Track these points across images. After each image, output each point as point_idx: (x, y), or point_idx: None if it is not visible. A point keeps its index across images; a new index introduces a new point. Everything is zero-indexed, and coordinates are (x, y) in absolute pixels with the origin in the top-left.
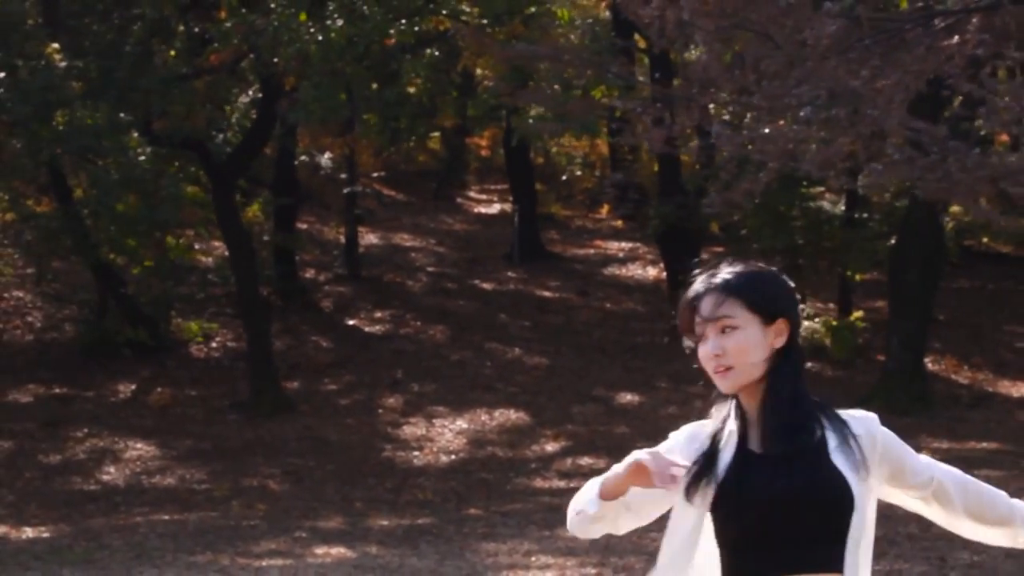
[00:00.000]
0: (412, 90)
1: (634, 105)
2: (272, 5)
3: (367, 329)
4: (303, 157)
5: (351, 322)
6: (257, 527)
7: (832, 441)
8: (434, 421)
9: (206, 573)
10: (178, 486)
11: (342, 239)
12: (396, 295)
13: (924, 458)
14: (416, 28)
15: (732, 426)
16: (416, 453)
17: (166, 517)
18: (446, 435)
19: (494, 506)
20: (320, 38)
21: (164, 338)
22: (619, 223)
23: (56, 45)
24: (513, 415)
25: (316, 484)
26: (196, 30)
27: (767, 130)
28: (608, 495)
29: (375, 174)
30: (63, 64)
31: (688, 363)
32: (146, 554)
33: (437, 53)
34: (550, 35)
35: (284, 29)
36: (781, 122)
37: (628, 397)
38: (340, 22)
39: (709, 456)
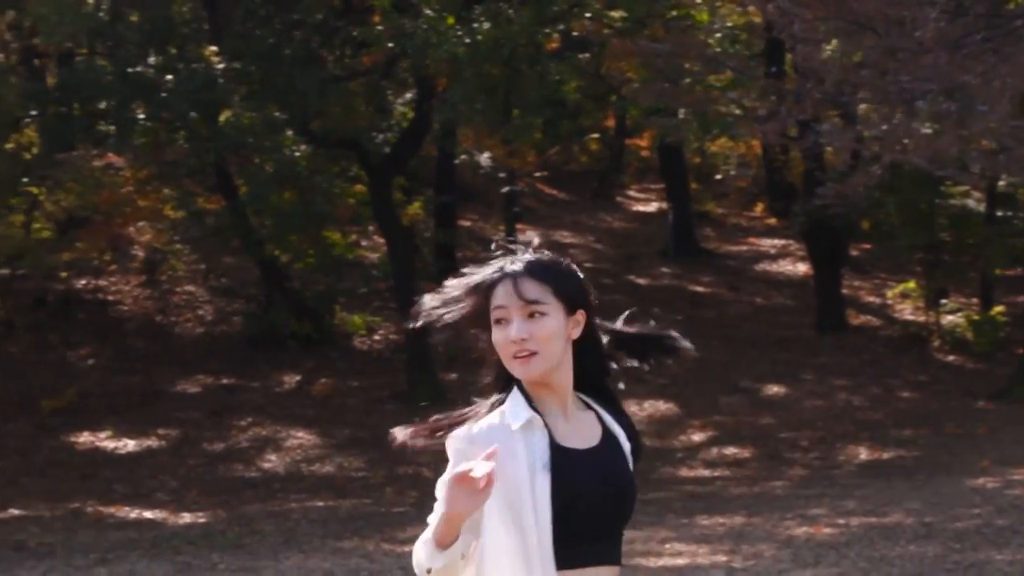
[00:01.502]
0: (567, 92)
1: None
2: (426, 11)
3: None
4: (463, 157)
5: None
6: (406, 514)
7: (621, 434)
8: None
9: (350, 558)
10: (335, 474)
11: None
12: None
13: None
14: (560, 31)
15: (528, 416)
16: None
17: (320, 504)
18: None
19: (638, 494)
20: (467, 41)
21: (328, 331)
22: (772, 220)
23: (214, 48)
24: (662, 406)
25: None
26: (354, 34)
27: (884, 126)
28: (443, 542)
29: (536, 174)
30: (221, 66)
31: (833, 356)
32: (295, 539)
33: (588, 55)
34: (690, 37)
35: (433, 32)
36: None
37: (774, 389)
38: (487, 25)
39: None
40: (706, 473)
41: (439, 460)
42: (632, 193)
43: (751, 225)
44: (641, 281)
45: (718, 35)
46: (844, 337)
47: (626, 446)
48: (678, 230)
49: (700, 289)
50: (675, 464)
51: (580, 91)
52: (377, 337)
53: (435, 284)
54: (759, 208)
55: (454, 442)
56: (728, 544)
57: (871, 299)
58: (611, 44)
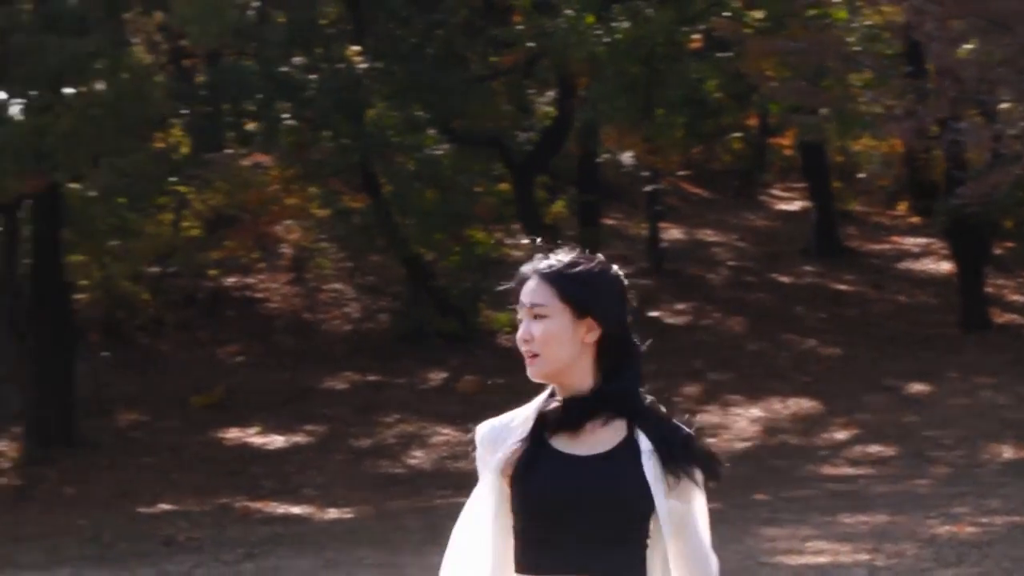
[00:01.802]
0: (708, 91)
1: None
2: (566, 10)
3: (668, 320)
4: (606, 155)
5: (653, 313)
6: None
7: (646, 445)
8: (729, 409)
9: None
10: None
11: (646, 234)
12: (697, 288)
13: (703, 521)
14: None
15: (530, 412)
16: (711, 440)
17: (464, 500)
18: (740, 423)
19: (781, 492)
20: (607, 40)
21: (473, 328)
22: (915, 219)
23: (357, 48)
24: (805, 404)
25: None
26: (495, 33)
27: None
28: None
29: (680, 172)
30: (363, 66)
31: (977, 355)
32: (440, 535)
33: (730, 54)
34: (828, 36)
35: (572, 31)
36: None
37: (917, 387)
38: (626, 24)
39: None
40: (849, 471)
41: None
42: (775, 191)
43: (894, 224)
44: (783, 279)
45: (857, 34)
46: (988, 335)
47: (648, 454)
48: (821, 228)
49: (843, 287)
50: (818, 462)
51: (721, 90)
52: None
53: None
54: (902, 206)
55: (478, 429)
56: (870, 543)
57: (1015, 297)
58: (749, 43)
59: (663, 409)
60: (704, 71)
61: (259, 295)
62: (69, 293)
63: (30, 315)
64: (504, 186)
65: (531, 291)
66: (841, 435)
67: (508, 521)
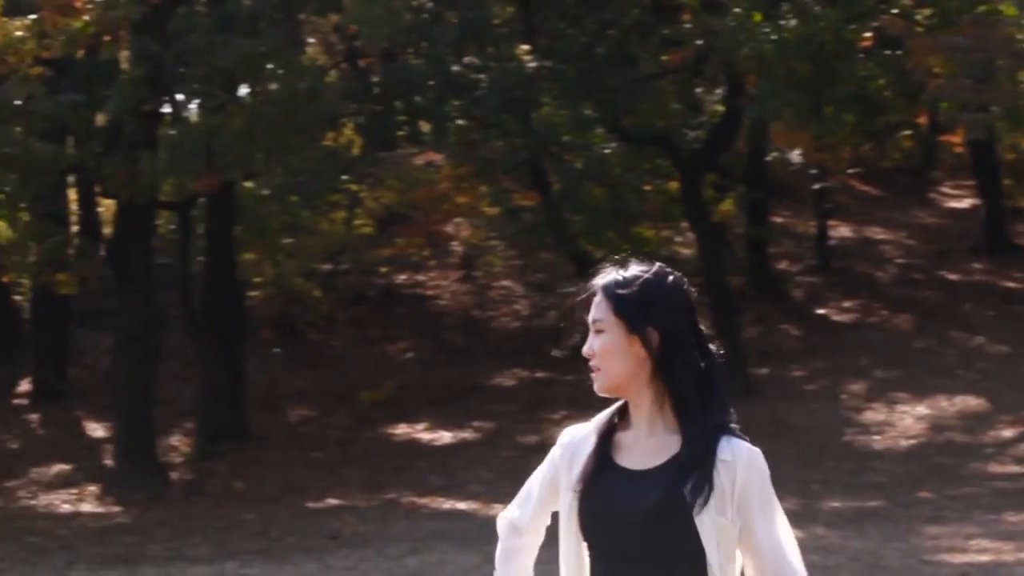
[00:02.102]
0: (877, 89)
1: None
2: (734, 8)
3: (835, 318)
4: (775, 153)
5: (820, 311)
6: None
7: (695, 466)
8: (895, 407)
9: None
10: None
11: (814, 232)
12: (865, 285)
13: (776, 538)
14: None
15: (600, 429)
16: (876, 437)
17: None
18: (906, 420)
19: (945, 490)
20: (774, 38)
21: None
22: None
23: (526, 47)
24: (972, 401)
25: (776, 467)
26: (664, 32)
27: None
28: None
29: (849, 170)
30: (532, 65)
31: None
32: None
33: (899, 52)
34: (996, 32)
35: (740, 30)
36: None
37: None
38: (794, 22)
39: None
40: (1015, 469)
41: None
42: (944, 189)
43: None
44: (952, 277)
45: None
46: None
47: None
48: (990, 226)
49: (1012, 285)
50: (984, 460)
51: (890, 87)
52: None
53: (747, 279)
54: None
55: (564, 433)
56: None
57: None
58: (915, 41)
59: (731, 420)
60: (872, 69)
61: (429, 292)
62: (242, 290)
63: (203, 312)
64: (672, 184)
65: (594, 306)
66: (1008, 433)
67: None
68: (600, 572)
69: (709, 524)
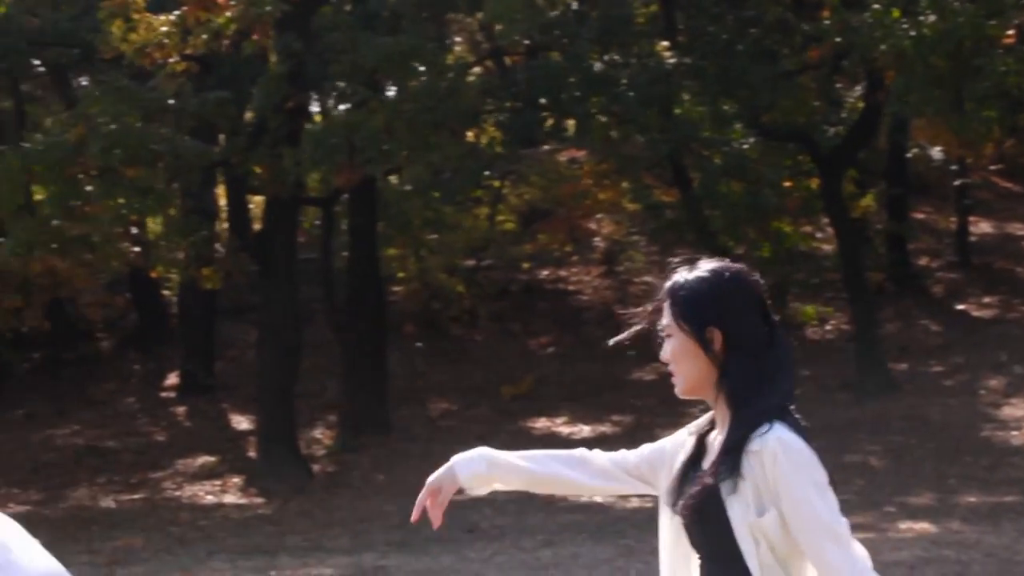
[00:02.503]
0: (1018, 84)
1: None
2: (874, 6)
3: (975, 314)
4: (915, 149)
5: (960, 307)
6: (849, 501)
7: (724, 458)
8: None
9: None
10: None
11: (954, 228)
12: (1005, 281)
13: (809, 533)
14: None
15: (696, 432)
16: (1014, 433)
17: None
18: None
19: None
20: (913, 34)
21: (781, 320)
22: None
23: (665, 43)
24: None
25: (914, 461)
26: (804, 28)
27: None
28: None
29: (991, 166)
30: (672, 61)
31: None
32: None
33: None
34: None
35: (878, 26)
36: None
37: None
38: (932, 18)
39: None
40: None
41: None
42: None
43: None
44: None
45: None
46: None
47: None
48: None
49: None
50: None
51: None
52: (828, 327)
53: (887, 275)
54: None
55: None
56: None
57: None
58: None
59: (777, 411)
60: (1012, 64)
61: (571, 287)
62: (384, 286)
63: (346, 307)
64: (813, 180)
65: (660, 312)
66: None
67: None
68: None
69: (740, 517)
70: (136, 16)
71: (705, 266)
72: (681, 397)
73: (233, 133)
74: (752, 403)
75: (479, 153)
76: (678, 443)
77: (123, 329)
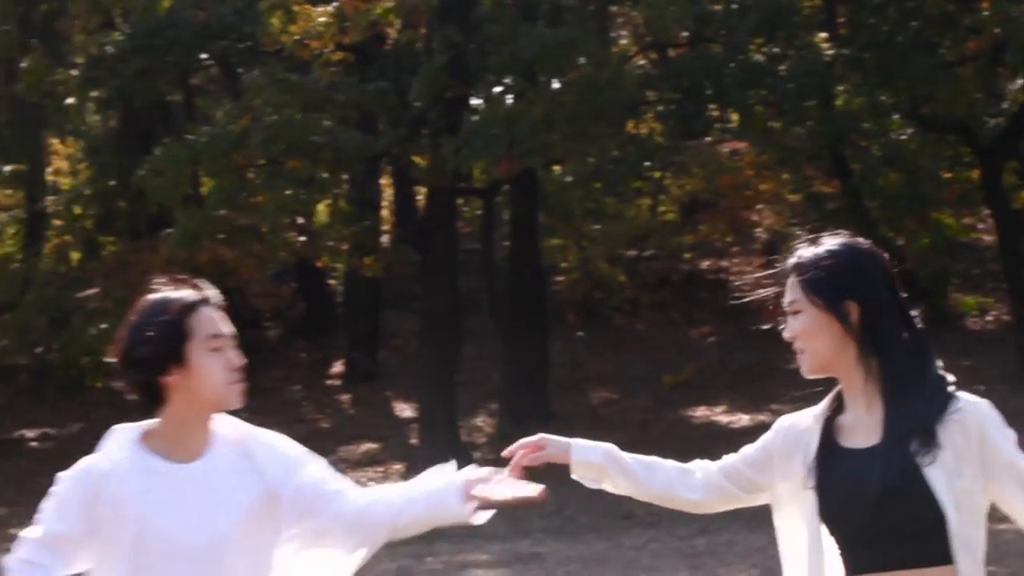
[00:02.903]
0: None
1: None
2: None
3: None
4: None
5: None
6: None
7: (917, 430)
8: None
9: None
10: None
11: None
12: None
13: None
14: None
15: (822, 416)
16: None
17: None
18: None
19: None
20: None
21: (941, 312)
22: None
23: (824, 35)
24: None
25: None
26: (965, 20)
27: None
28: None
29: None
30: (831, 52)
31: None
32: None
33: None
34: None
35: None
36: None
37: None
38: None
39: (804, 454)
40: None
41: None
42: None
43: None
44: None
45: None
46: None
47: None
48: None
49: None
50: None
51: None
52: (989, 317)
53: None
54: None
55: (781, 421)
56: None
57: None
58: None
59: (950, 382)
60: None
61: (732, 278)
62: (545, 275)
63: (508, 296)
64: (973, 172)
65: (788, 288)
66: None
67: (820, 529)
68: (846, 560)
69: (945, 486)
70: (296, 8)
71: (834, 240)
72: (809, 376)
73: (393, 124)
74: (923, 375)
75: (641, 144)
76: (800, 431)
77: (290, 318)
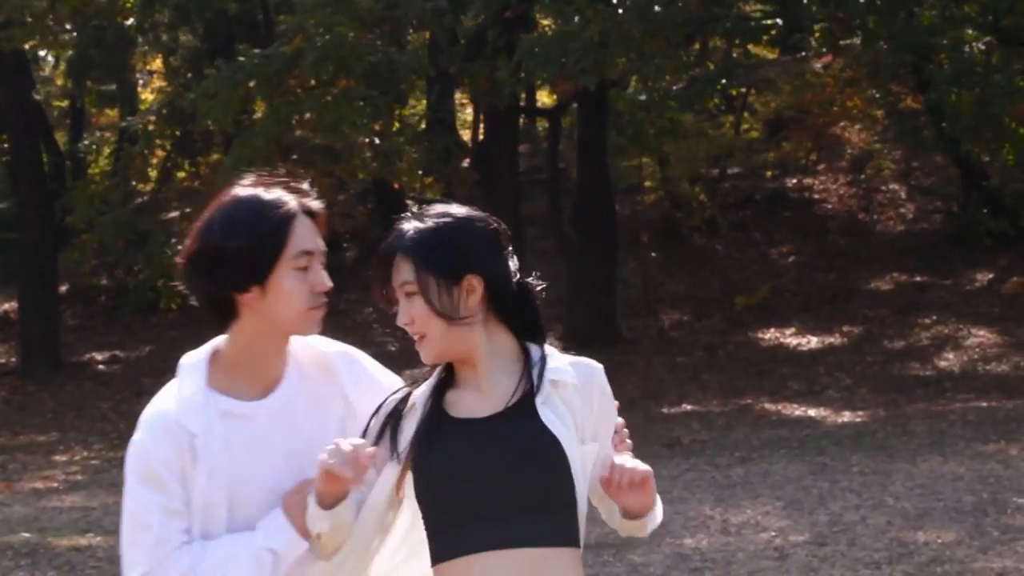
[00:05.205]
0: None
1: None
2: None
3: None
4: None
5: None
6: None
7: (543, 394)
8: None
9: (987, 463)
10: (1010, 373)
11: None
12: None
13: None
14: None
15: (424, 389)
16: None
17: (983, 404)
18: None
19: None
20: None
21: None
22: None
23: None
24: None
25: None
26: None
27: None
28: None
29: None
30: None
31: None
32: (942, 441)
33: None
34: None
35: None
36: None
37: None
38: None
39: (392, 427)
40: None
41: None
42: None
43: None
44: None
45: None
46: None
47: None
48: None
49: None
50: None
51: None
52: None
53: None
54: None
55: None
56: None
57: None
58: None
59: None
60: None
61: (817, 196)
62: (614, 195)
63: (575, 218)
64: None
65: (394, 269)
66: None
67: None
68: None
69: (584, 453)
70: None
71: (442, 208)
72: (434, 363)
73: (451, 43)
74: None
75: (720, 61)
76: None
77: (368, 239)
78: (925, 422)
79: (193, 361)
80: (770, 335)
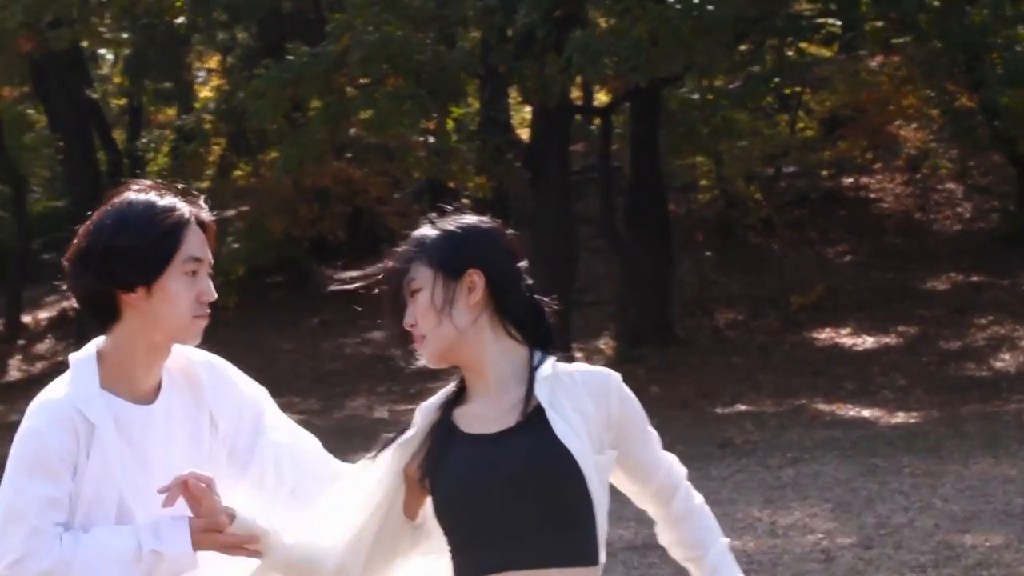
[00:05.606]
0: None
1: None
2: None
3: None
4: None
5: None
6: None
7: (554, 406)
8: None
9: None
10: None
11: None
12: None
13: (661, 453)
14: None
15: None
16: None
17: None
18: None
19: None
20: None
21: None
22: None
23: None
24: None
25: None
26: None
27: None
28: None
29: None
30: None
31: None
32: (995, 443)
33: None
34: None
35: None
36: None
37: None
38: None
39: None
40: None
41: None
42: None
43: None
44: None
45: None
46: None
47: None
48: None
49: None
50: None
51: None
52: None
53: None
54: None
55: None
56: None
57: None
58: None
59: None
60: None
61: (873, 195)
62: (666, 194)
63: (628, 216)
64: None
65: (404, 270)
66: None
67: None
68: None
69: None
70: None
71: (453, 215)
72: (435, 366)
73: (500, 42)
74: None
75: (774, 60)
76: None
77: None
78: (979, 423)
79: (84, 358)
80: (825, 335)
